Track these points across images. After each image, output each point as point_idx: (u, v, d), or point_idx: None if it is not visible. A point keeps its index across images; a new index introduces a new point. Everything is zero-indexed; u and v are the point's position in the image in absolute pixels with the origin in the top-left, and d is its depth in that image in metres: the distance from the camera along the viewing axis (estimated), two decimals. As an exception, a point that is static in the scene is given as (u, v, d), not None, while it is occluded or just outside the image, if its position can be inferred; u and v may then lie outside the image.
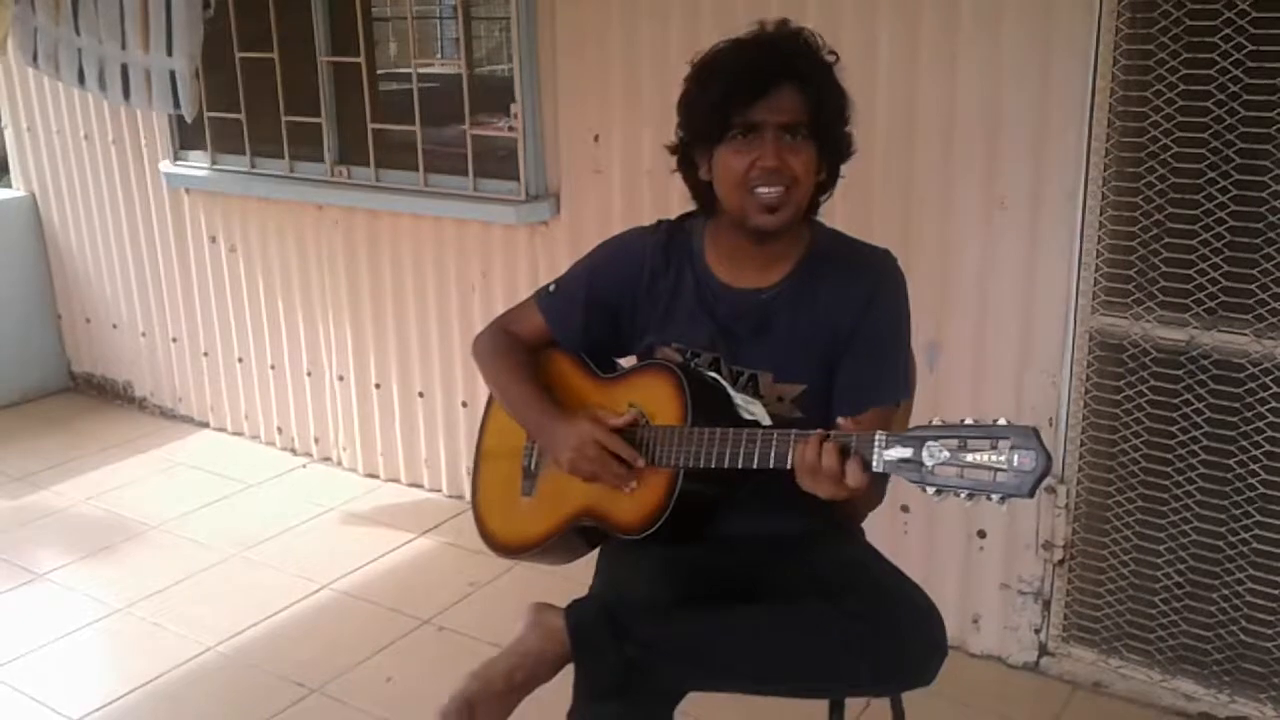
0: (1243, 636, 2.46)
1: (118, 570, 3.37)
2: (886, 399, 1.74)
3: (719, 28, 1.74)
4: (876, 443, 1.46)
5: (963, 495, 1.38)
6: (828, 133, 1.69)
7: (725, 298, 1.78)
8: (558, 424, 1.80)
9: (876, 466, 1.45)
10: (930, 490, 1.40)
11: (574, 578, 1.94)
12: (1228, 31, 2.19)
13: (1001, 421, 1.37)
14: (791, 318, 1.74)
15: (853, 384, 1.73)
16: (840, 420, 1.51)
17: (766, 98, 1.62)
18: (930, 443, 1.40)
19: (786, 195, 1.66)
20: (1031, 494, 1.35)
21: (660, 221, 1.89)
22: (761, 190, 1.65)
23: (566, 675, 1.68)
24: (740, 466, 1.61)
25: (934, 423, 1.44)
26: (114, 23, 3.64)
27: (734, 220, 1.72)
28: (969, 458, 1.37)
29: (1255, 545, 2.40)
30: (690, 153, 1.75)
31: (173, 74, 3.60)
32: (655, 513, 1.69)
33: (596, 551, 1.92)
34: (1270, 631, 2.42)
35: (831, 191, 1.78)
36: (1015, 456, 1.35)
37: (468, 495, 2.05)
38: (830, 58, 1.69)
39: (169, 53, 3.58)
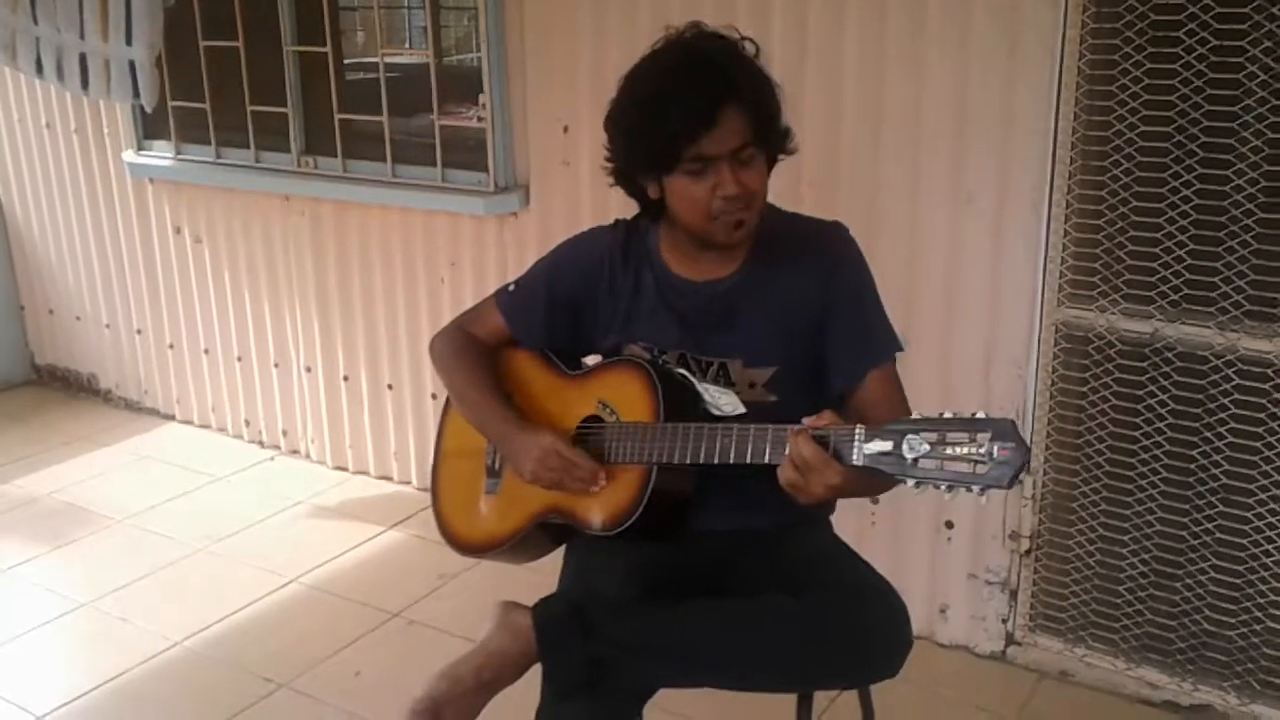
0: (1206, 625, 2.50)
1: (83, 564, 3.34)
2: (883, 355, 1.72)
3: (688, 17, 1.71)
4: (856, 437, 1.45)
5: (943, 487, 1.38)
6: (772, 137, 1.67)
7: (686, 292, 1.78)
8: (519, 434, 1.78)
9: (856, 461, 1.44)
10: (911, 483, 1.40)
11: (543, 571, 1.94)
12: (1192, 26, 2.22)
13: (980, 414, 1.38)
14: (755, 302, 1.74)
15: (844, 351, 1.71)
16: (806, 420, 1.49)
17: (715, 129, 1.58)
18: (910, 436, 1.40)
19: (749, 210, 1.66)
20: (1011, 485, 1.36)
21: (618, 220, 1.87)
22: (726, 216, 1.64)
23: (536, 674, 1.67)
24: (716, 462, 1.60)
25: (913, 416, 1.44)
26: (72, 11, 3.59)
27: (695, 236, 1.70)
28: (949, 450, 1.38)
29: (1218, 535, 2.43)
30: (630, 173, 1.71)
31: (132, 63, 3.56)
32: (627, 510, 1.69)
33: (563, 548, 1.92)
34: (1233, 620, 2.45)
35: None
36: (994, 448, 1.35)
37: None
38: (751, 48, 1.67)
39: (128, 42, 3.53)
